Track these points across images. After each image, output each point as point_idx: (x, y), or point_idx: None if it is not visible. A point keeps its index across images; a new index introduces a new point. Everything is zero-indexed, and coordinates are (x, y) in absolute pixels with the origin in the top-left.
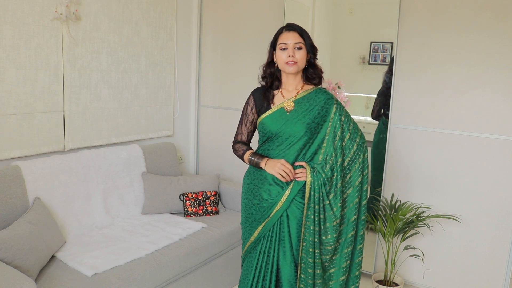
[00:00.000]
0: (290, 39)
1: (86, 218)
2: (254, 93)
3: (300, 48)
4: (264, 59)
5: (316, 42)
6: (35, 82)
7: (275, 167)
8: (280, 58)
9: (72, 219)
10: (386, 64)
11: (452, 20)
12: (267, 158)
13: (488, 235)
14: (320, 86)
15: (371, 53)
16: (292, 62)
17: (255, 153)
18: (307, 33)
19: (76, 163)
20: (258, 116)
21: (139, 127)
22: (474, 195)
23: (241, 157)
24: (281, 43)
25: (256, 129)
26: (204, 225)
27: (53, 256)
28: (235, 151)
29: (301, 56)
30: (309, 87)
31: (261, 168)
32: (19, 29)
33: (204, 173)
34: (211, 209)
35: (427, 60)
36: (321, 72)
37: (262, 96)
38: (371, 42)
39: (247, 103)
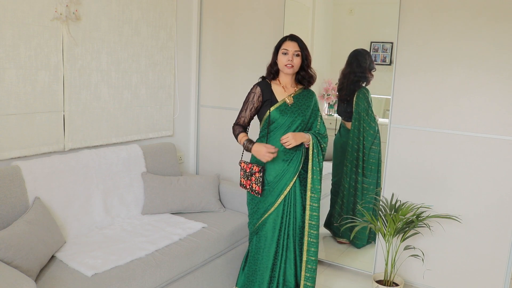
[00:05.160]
0: (291, 47)
1: (86, 218)
2: (260, 84)
3: (298, 55)
4: (263, 59)
5: (316, 42)
6: (35, 82)
7: (260, 154)
8: (281, 61)
9: (72, 219)
10: (387, 64)
11: (452, 20)
12: (255, 144)
13: (488, 235)
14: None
15: (371, 53)
16: (290, 65)
17: (249, 140)
18: (305, 45)
19: (76, 163)
20: (262, 105)
21: (139, 127)
22: (474, 195)
23: (236, 136)
24: (283, 49)
25: (261, 117)
26: (204, 225)
27: (53, 256)
28: (233, 130)
29: (297, 62)
30: (301, 86)
31: (249, 151)
32: (19, 29)
33: (204, 173)
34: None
35: (427, 60)
36: (312, 77)
37: (267, 90)
38: (371, 42)
39: (253, 92)
